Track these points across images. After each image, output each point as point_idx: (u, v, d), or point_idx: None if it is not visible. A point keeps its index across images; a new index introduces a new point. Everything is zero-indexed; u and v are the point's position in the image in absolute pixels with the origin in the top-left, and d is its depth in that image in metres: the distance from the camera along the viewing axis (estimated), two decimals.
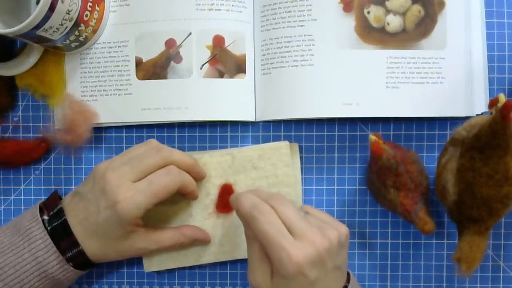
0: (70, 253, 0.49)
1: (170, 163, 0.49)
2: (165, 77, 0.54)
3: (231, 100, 0.54)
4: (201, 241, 0.53)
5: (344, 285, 0.47)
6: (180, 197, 0.53)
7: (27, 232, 0.48)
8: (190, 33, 0.54)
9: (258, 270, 0.45)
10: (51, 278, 0.48)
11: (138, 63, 0.55)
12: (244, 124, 0.56)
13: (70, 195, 0.51)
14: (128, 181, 0.48)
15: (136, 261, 0.57)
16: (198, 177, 0.52)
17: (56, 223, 0.49)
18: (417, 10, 0.53)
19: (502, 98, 0.43)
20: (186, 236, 0.52)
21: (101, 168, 0.49)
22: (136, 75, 0.55)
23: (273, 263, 0.43)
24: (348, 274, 0.48)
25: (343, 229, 0.46)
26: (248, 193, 0.47)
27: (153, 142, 0.51)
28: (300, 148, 0.56)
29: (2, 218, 0.58)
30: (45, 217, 0.49)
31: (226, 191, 0.54)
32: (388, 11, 0.53)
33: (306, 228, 0.43)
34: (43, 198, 0.54)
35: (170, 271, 0.57)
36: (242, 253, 0.54)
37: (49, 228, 0.49)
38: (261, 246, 0.44)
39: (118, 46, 0.55)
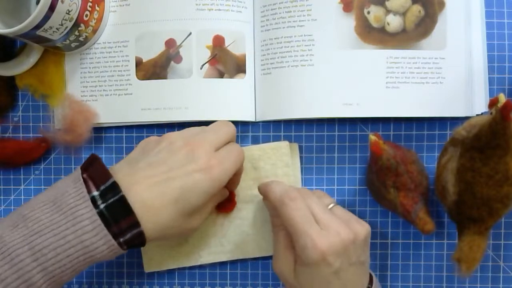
0: (126, 236, 0.42)
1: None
2: (165, 77, 0.54)
3: (231, 100, 0.54)
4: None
5: (367, 286, 0.47)
6: None
7: (71, 210, 0.41)
8: (190, 33, 0.54)
9: (283, 258, 0.46)
10: (97, 260, 0.42)
11: (138, 63, 0.55)
12: (244, 124, 0.56)
13: (125, 163, 0.45)
14: (213, 148, 0.46)
15: (136, 261, 0.57)
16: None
17: (111, 200, 0.41)
18: (417, 10, 0.53)
19: (502, 98, 0.43)
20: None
21: (178, 137, 0.46)
22: (136, 75, 0.55)
23: (298, 250, 0.44)
24: (371, 275, 0.48)
25: (367, 227, 0.47)
26: (278, 181, 0.48)
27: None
28: (300, 148, 0.56)
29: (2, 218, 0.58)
30: (95, 193, 0.41)
31: None
32: (388, 11, 0.53)
33: (332, 219, 0.45)
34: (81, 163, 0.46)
35: (170, 271, 0.57)
36: (242, 253, 0.54)
37: (102, 207, 0.41)
38: (286, 234, 0.46)
39: (118, 46, 0.55)
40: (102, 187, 0.42)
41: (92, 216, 0.40)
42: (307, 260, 0.43)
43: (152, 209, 0.42)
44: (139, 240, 0.42)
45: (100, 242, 0.41)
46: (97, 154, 0.46)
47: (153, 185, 0.43)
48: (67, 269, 0.41)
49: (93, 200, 0.41)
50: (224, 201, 0.53)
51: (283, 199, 0.45)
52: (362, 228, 0.46)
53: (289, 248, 0.46)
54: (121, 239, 0.41)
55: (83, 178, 0.42)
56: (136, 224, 0.41)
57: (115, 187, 0.42)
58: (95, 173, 0.43)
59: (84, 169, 0.43)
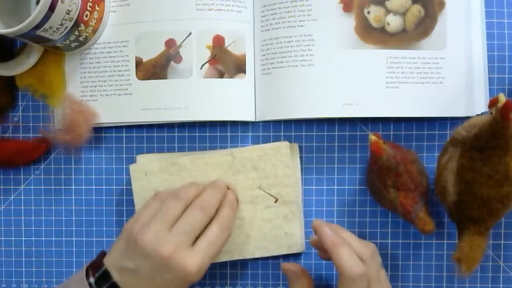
0: None
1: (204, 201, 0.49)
2: (165, 77, 0.54)
3: (231, 100, 0.54)
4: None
5: None
6: None
7: None
8: (190, 33, 0.54)
9: None
10: None
11: (138, 63, 0.55)
12: (244, 124, 0.56)
13: (117, 270, 0.47)
14: (187, 247, 0.46)
15: None
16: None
17: (104, 286, 0.46)
18: (417, 10, 0.53)
19: (502, 98, 0.43)
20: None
21: (149, 243, 0.45)
22: (136, 75, 0.55)
23: None
24: None
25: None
26: (347, 245, 0.46)
27: (162, 194, 0.50)
28: (300, 148, 0.56)
29: (2, 218, 0.58)
30: (92, 280, 0.47)
31: None
32: (388, 11, 0.53)
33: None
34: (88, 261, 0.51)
35: None
36: (242, 253, 0.54)
37: None
38: None
39: (118, 46, 0.55)
40: (97, 274, 0.47)
41: None
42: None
43: None
44: None
45: None
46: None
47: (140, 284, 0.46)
48: None
49: (91, 285, 0.46)
50: None
51: (352, 275, 0.44)
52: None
53: None
54: None
55: (86, 268, 0.48)
56: None
57: (106, 274, 0.46)
58: (94, 263, 0.48)
59: (89, 262, 0.49)
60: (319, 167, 0.56)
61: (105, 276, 0.46)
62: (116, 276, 0.46)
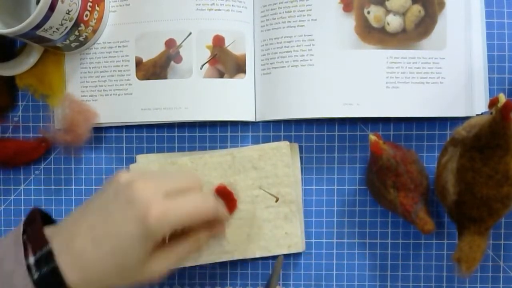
0: None
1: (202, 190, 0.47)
2: (165, 77, 0.54)
3: (231, 100, 0.54)
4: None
5: None
6: None
7: (9, 277, 0.40)
8: (190, 33, 0.54)
9: None
10: None
11: (138, 63, 0.55)
12: (244, 124, 0.56)
13: (76, 212, 0.43)
14: (161, 194, 0.42)
15: None
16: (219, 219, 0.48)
17: (44, 270, 0.39)
18: (417, 10, 0.53)
19: (502, 98, 0.43)
20: (203, 240, 0.48)
21: (126, 177, 0.42)
22: (136, 75, 0.55)
23: None
24: None
25: None
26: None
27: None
28: (300, 148, 0.56)
29: (2, 218, 0.58)
30: (31, 261, 0.40)
31: (221, 193, 0.54)
32: (388, 11, 0.53)
33: None
34: (31, 208, 0.46)
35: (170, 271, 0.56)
36: (242, 253, 0.54)
37: (36, 277, 0.39)
38: None
39: (118, 46, 0.55)
40: (38, 254, 0.40)
41: (27, 285, 0.39)
42: None
43: (86, 264, 0.41)
44: None
45: None
46: (38, 208, 0.45)
47: (94, 237, 0.41)
48: None
49: (29, 267, 0.39)
50: (225, 202, 0.53)
51: None
52: None
53: None
54: None
55: (23, 240, 0.41)
56: None
57: (49, 256, 0.40)
58: (33, 236, 0.41)
59: (24, 229, 0.42)
60: (319, 167, 0.56)
61: (47, 257, 0.40)
62: (63, 226, 0.42)
